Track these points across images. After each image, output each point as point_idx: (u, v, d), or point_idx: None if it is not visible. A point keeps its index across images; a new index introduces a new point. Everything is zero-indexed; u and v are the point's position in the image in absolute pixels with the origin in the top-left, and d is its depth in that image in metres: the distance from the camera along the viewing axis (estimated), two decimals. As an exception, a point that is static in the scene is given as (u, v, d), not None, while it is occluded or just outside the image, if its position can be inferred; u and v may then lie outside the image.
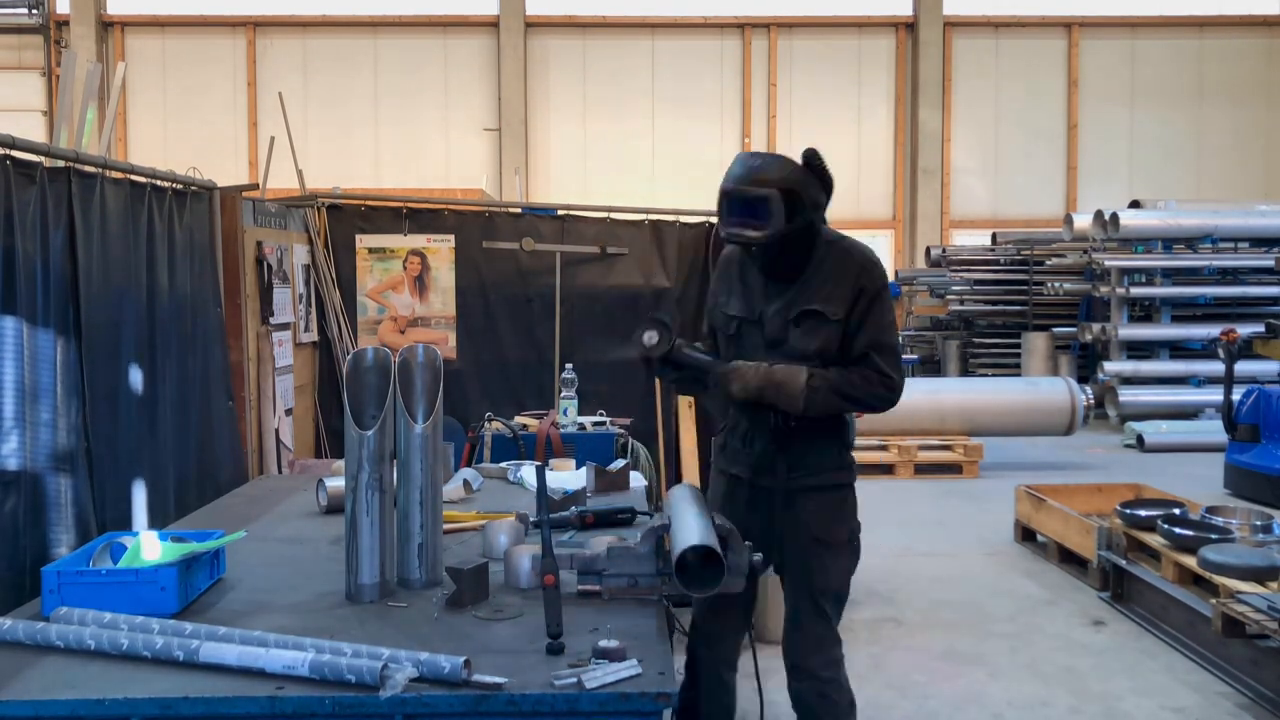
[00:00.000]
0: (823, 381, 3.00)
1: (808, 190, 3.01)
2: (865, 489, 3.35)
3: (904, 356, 3.19)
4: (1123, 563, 5.65)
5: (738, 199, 3.02)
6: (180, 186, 4.37)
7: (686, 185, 14.24)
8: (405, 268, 6.31)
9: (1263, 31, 16.90)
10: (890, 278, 3.04)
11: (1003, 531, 7.24)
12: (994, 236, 15.12)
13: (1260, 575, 4.78)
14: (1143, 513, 5.82)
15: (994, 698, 4.50)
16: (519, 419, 5.27)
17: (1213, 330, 11.00)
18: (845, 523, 3.15)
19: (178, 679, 2.13)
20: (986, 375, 13.44)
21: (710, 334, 3.36)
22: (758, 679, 3.20)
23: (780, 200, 2.97)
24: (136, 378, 3.85)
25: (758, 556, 2.74)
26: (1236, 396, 8.47)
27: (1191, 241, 12.39)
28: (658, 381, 6.22)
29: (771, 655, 3.32)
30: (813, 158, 3.05)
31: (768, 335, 3.12)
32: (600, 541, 2.77)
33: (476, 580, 2.58)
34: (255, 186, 5.65)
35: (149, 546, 2.61)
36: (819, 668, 3.10)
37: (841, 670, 3.14)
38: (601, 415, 5.35)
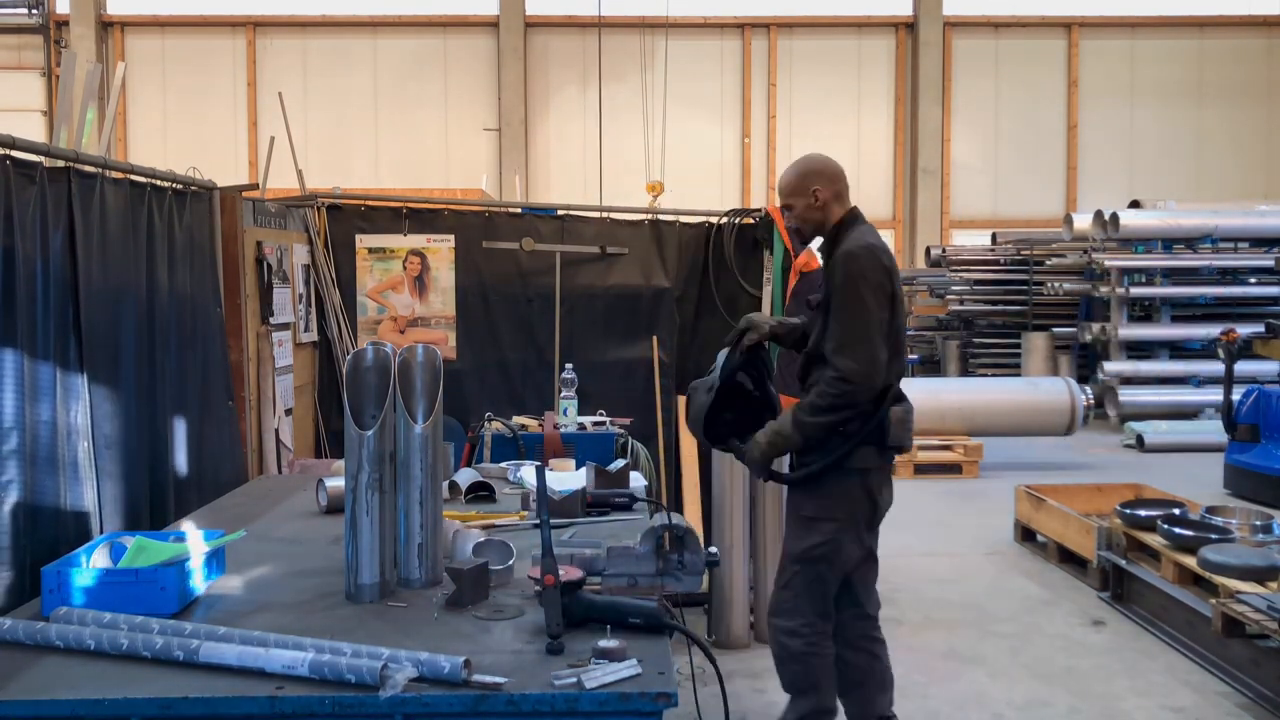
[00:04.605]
0: (800, 414, 3.19)
1: (811, 182, 3.29)
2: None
3: (907, 356, 3.30)
4: (1122, 563, 5.65)
5: None
6: (180, 186, 4.37)
7: (687, 185, 14.26)
8: (405, 268, 6.31)
9: (1263, 31, 16.91)
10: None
11: (1003, 531, 7.23)
12: (994, 236, 15.12)
13: (1260, 575, 4.78)
14: (1143, 513, 5.82)
15: (994, 698, 4.50)
16: (518, 419, 5.27)
17: (1213, 330, 11.02)
18: (812, 498, 3.29)
19: (178, 679, 2.12)
20: (986, 375, 13.44)
21: None
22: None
23: (788, 215, 3.34)
24: (135, 377, 3.85)
25: (713, 549, 2.78)
26: (1236, 396, 8.47)
27: (1191, 241, 12.40)
28: (658, 382, 6.23)
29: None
30: None
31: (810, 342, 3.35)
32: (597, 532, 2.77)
33: (476, 580, 2.58)
34: (255, 186, 5.64)
35: (195, 544, 2.64)
36: (775, 629, 3.37)
37: (797, 640, 3.29)
38: (601, 415, 5.35)
